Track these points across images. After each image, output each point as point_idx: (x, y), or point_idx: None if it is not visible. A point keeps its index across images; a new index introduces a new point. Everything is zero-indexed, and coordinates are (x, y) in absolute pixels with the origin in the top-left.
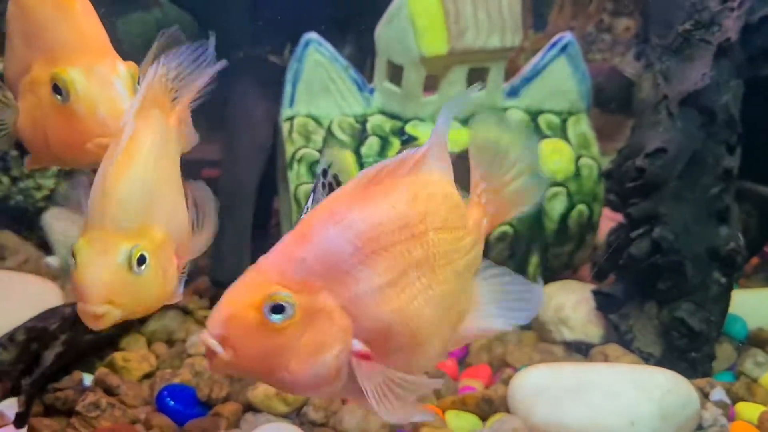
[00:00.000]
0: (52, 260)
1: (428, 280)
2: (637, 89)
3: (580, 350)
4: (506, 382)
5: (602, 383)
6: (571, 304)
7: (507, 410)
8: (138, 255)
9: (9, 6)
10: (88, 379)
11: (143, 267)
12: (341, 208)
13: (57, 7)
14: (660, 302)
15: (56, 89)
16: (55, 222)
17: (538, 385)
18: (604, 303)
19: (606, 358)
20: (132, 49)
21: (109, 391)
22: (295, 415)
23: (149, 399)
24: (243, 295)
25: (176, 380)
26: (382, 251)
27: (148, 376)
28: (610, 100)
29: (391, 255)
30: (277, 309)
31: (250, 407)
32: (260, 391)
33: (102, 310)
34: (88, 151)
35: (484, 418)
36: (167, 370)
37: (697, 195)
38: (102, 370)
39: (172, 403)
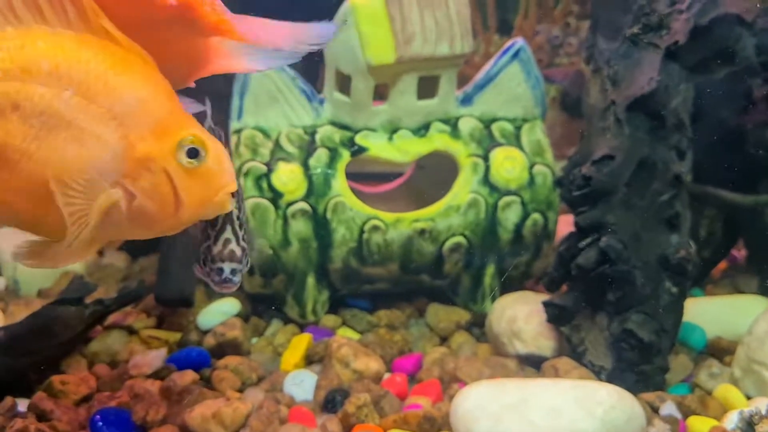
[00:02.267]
0: None
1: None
2: (585, 95)
3: (533, 363)
4: (452, 398)
5: (544, 400)
6: (524, 315)
7: (449, 429)
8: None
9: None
10: (23, 404)
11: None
12: None
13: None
14: (610, 313)
15: (191, 154)
16: (3, 243)
17: (479, 402)
18: (556, 315)
19: (557, 372)
20: None
21: (42, 417)
22: None
23: (84, 423)
24: None
25: (113, 403)
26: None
27: (86, 398)
28: (577, 105)
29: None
30: None
31: (186, 430)
32: (197, 413)
33: None
34: (219, 203)
35: None
36: (106, 392)
37: (647, 202)
38: (38, 395)
39: (105, 428)
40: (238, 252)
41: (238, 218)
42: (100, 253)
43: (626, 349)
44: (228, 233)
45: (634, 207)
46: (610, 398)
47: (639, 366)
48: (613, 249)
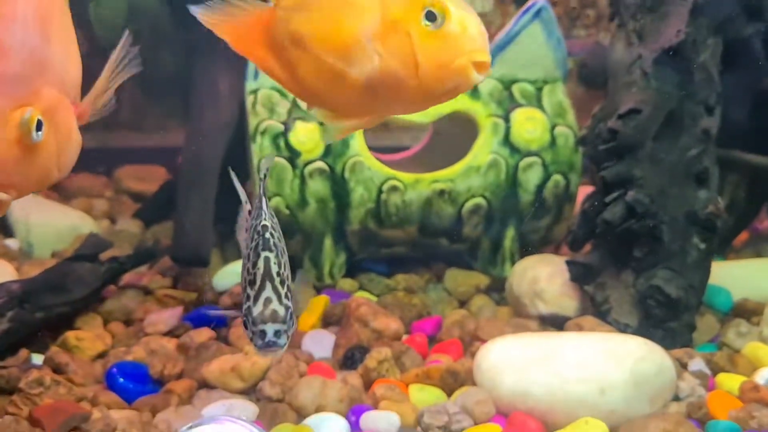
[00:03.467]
0: (11, 242)
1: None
2: (611, 50)
3: (555, 324)
4: (474, 355)
5: (571, 352)
6: (546, 276)
7: (473, 383)
8: (35, 121)
9: None
10: (38, 359)
11: (40, 133)
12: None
13: None
14: (636, 270)
15: (429, 17)
16: (15, 204)
17: (504, 356)
18: (579, 273)
19: (580, 330)
20: (104, 32)
21: (58, 370)
22: (251, 391)
23: (100, 378)
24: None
25: (129, 358)
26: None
27: (101, 355)
28: (595, 76)
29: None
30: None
31: (204, 384)
32: (215, 367)
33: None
34: (459, 70)
35: (449, 392)
36: (121, 348)
37: (674, 157)
38: (53, 350)
39: (121, 380)
40: (281, 311)
41: (278, 274)
42: (113, 220)
43: (653, 305)
44: (268, 291)
45: (661, 162)
46: (640, 350)
47: (666, 323)
48: (640, 203)
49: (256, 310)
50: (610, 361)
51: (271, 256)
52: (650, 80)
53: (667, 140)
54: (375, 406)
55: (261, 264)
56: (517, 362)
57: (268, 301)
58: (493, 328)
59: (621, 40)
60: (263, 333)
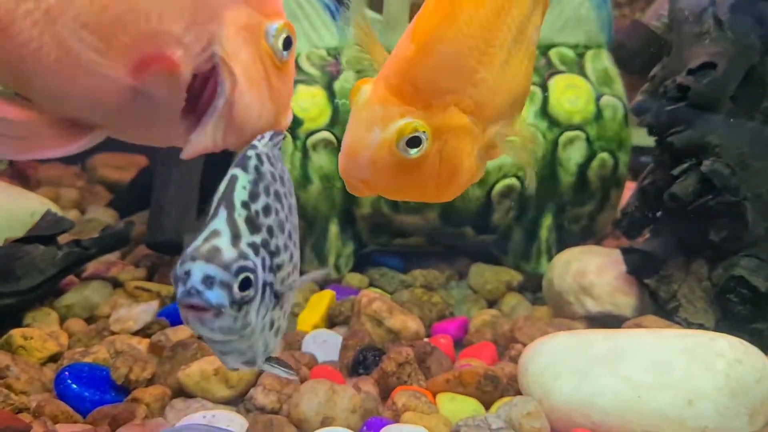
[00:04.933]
0: None
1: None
2: None
3: (609, 324)
4: (515, 359)
5: (643, 351)
6: (595, 268)
7: (517, 392)
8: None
9: None
10: None
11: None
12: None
13: None
14: (712, 259)
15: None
16: None
17: (558, 357)
18: (638, 264)
19: None
20: None
21: None
22: (240, 400)
23: (50, 385)
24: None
25: (88, 360)
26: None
27: (54, 358)
28: (634, 58)
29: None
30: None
31: (181, 391)
32: (195, 370)
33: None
34: None
35: (487, 403)
36: (78, 349)
37: (758, 121)
38: None
39: (74, 386)
40: (229, 254)
41: (245, 206)
42: (83, 211)
43: (735, 301)
44: (220, 222)
45: (742, 127)
46: (734, 350)
47: (752, 323)
48: (718, 175)
49: (192, 244)
50: (697, 364)
51: (243, 177)
52: (726, 30)
53: (748, 101)
54: (395, 418)
55: (223, 185)
56: (575, 365)
57: (213, 234)
58: (534, 330)
59: None
60: (186, 275)
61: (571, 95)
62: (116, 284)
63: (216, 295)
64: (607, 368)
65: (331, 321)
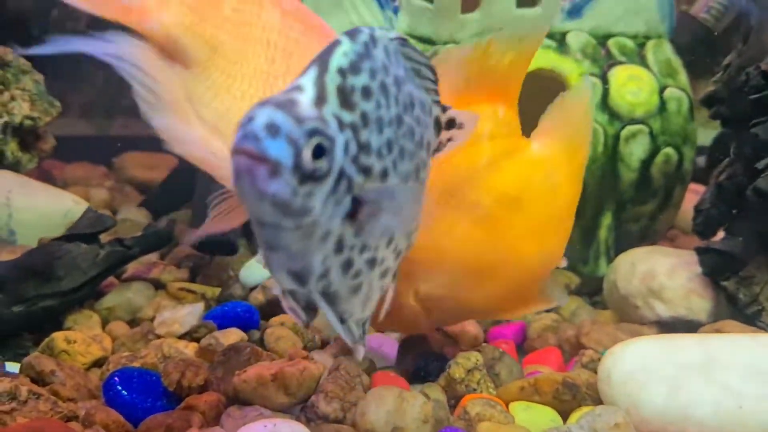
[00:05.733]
0: None
1: None
2: None
3: (681, 330)
4: (589, 366)
5: (742, 358)
6: (666, 269)
7: (595, 402)
8: None
9: None
10: (14, 367)
11: None
12: None
13: None
14: None
15: None
16: None
17: (645, 363)
18: (715, 265)
19: None
20: None
21: (39, 380)
22: (300, 408)
23: (96, 391)
24: None
25: (136, 364)
26: None
27: (98, 363)
28: (684, 52)
29: None
30: None
31: (236, 398)
32: (251, 376)
33: None
34: None
35: (564, 413)
36: (124, 353)
37: None
38: (34, 354)
39: (124, 392)
40: (309, 111)
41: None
42: (114, 211)
43: None
44: (310, 75)
45: None
46: None
47: None
48: None
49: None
50: None
51: (347, 44)
52: None
53: None
54: (470, 429)
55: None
56: (664, 372)
57: (295, 89)
58: (602, 335)
59: None
60: (248, 120)
61: (633, 87)
62: (158, 285)
63: (278, 147)
64: (701, 376)
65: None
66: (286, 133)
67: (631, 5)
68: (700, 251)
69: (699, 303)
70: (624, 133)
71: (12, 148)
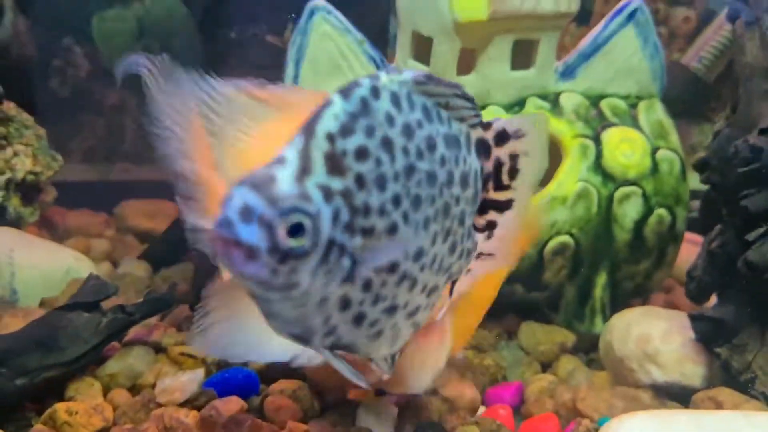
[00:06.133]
0: None
1: None
2: (739, 53)
3: (676, 395)
4: None
5: None
6: (660, 333)
7: None
8: None
9: None
10: None
11: None
12: None
13: None
14: None
15: None
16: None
17: None
18: (709, 332)
19: (718, 407)
20: (109, 49)
21: None
22: None
23: None
24: None
25: None
26: None
27: None
28: (674, 102)
29: None
30: None
31: None
32: None
33: None
34: None
35: None
36: (127, 425)
37: None
38: (37, 428)
39: None
40: (288, 188)
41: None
42: (115, 263)
43: None
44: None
45: None
46: None
47: None
48: None
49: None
50: None
51: (338, 105)
52: None
53: None
54: None
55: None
56: None
57: (278, 162)
58: (598, 401)
59: (753, 39)
60: (226, 201)
61: (625, 149)
62: (159, 349)
63: (251, 232)
64: None
65: (382, 388)
66: (259, 215)
67: (623, 66)
68: (693, 318)
69: (693, 369)
70: (617, 194)
71: (14, 203)
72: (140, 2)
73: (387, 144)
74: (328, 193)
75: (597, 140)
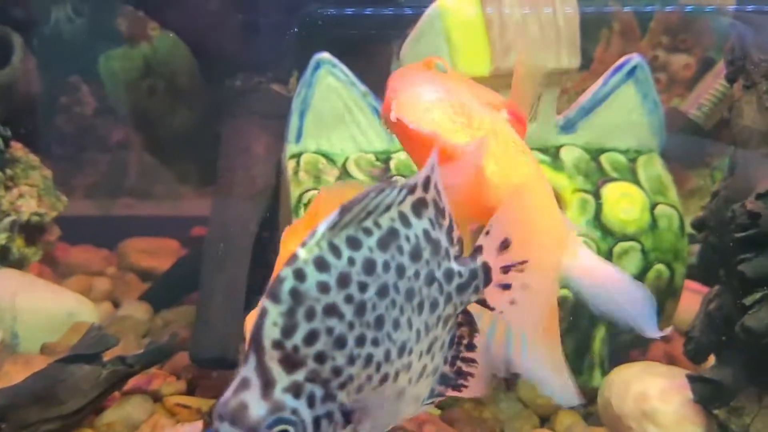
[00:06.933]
0: None
1: None
2: (736, 115)
3: None
4: None
5: None
6: (658, 392)
7: None
8: None
9: None
10: None
11: None
12: None
13: None
14: None
15: None
16: (2, 287)
17: None
18: (707, 393)
19: None
20: (115, 88)
21: None
22: None
23: None
24: None
25: None
26: None
27: None
28: (673, 148)
29: None
30: None
31: None
32: None
33: None
34: None
35: None
36: None
37: None
38: None
39: None
40: (259, 411)
41: (278, 345)
42: (116, 303)
43: None
44: (248, 369)
45: None
46: None
47: None
48: None
49: (224, 395)
50: None
51: (272, 311)
52: None
53: None
54: None
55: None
56: None
57: (242, 386)
58: None
59: (751, 103)
60: None
61: (625, 204)
62: (157, 398)
63: None
64: None
65: None
66: None
67: (622, 120)
68: (691, 379)
69: (692, 429)
70: (616, 249)
71: (18, 244)
72: (147, 42)
73: (331, 310)
74: (296, 390)
75: (597, 195)
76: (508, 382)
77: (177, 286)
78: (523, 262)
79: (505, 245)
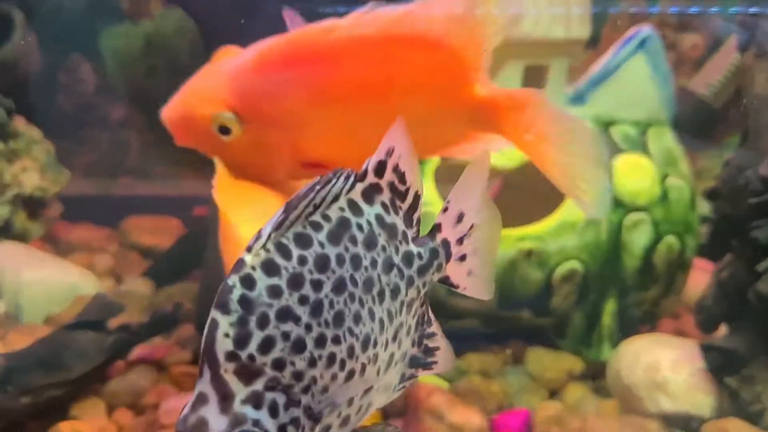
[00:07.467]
0: None
1: None
2: (749, 83)
3: (686, 425)
4: None
5: None
6: (669, 362)
7: None
8: None
9: None
10: None
11: None
12: None
13: None
14: None
15: None
16: (6, 261)
17: None
18: (719, 362)
19: None
20: (117, 65)
21: None
22: None
23: None
24: None
25: None
26: None
27: None
28: (681, 127)
29: None
30: None
31: None
32: None
33: None
34: None
35: None
36: None
37: None
38: None
39: None
40: (219, 426)
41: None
42: (118, 278)
43: None
44: (203, 383)
45: None
46: None
47: None
48: None
49: (183, 411)
50: None
51: (223, 323)
52: None
53: None
54: None
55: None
56: None
57: (200, 401)
58: (607, 429)
59: (763, 71)
60: None
61: (636, 176)
62: (162, 368)
63: None
64: None
65: (384, 413)
66: None
67: (633, 92)
68: (704, 348)
69: (703, 399)
70: (627, 221)
71: (20, 218)
72: (149, 19)
73: (285, 314)
74: (256, 401)
75: None
76: (516, 355)
77: (179, 263)
78: (472, 227)
79: (460, 219)
